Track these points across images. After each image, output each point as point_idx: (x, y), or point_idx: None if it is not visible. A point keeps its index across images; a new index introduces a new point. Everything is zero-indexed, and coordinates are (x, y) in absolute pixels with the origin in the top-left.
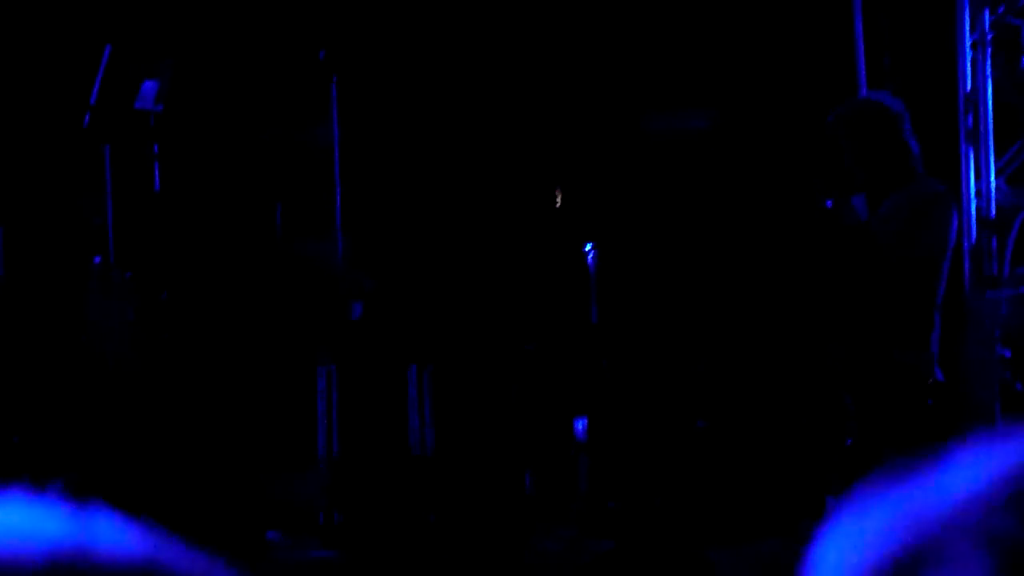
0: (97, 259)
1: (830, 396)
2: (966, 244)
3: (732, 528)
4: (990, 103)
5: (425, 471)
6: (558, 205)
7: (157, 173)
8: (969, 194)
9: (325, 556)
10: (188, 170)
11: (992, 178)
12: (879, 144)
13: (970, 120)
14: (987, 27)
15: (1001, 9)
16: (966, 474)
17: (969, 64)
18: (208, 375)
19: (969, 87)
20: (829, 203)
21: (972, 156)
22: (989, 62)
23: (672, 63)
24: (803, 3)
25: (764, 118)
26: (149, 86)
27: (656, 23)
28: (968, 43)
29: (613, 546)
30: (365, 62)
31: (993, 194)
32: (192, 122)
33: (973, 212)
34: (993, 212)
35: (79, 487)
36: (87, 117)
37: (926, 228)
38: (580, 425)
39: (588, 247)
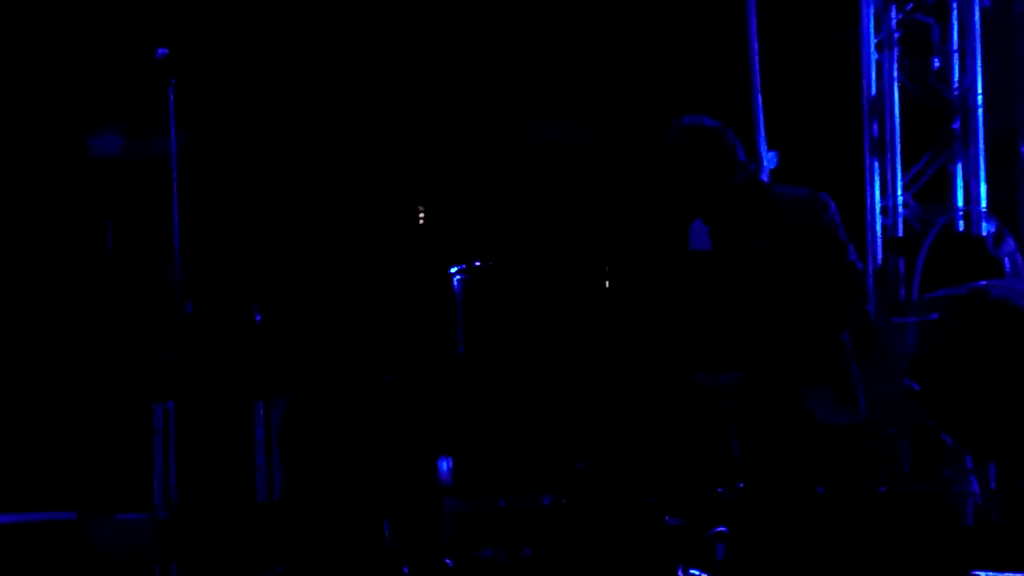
0: None
1: (718, 437)
2: (871, 266)
3: None
4: (897, 110)
5: (273, 518)
6: (420, 223)
7: None
8: (875, 211)
9: None
10: (6, 181)
11: (899, 193)
12: (710, 164)
13: (875, 128)
14: (893, 25)
15: (909, 6)
16: None
17: (874, 66)
18: (29, 407)
19: (874, 92)
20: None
21: (877, 169)
22: (896, 64)
23: (554, 69)
24: (694, 4)
25: (654, 127)
26: None
27: (535, 23)
28: (872, 43)
29: None
30: (209, 63)
31: (901, 211)
32: (7, 126)
33: (879, 231)
34: (901, 231)
35: None
36: None
37: (839, 245)
38: (445, 466)
39: (454, 269)
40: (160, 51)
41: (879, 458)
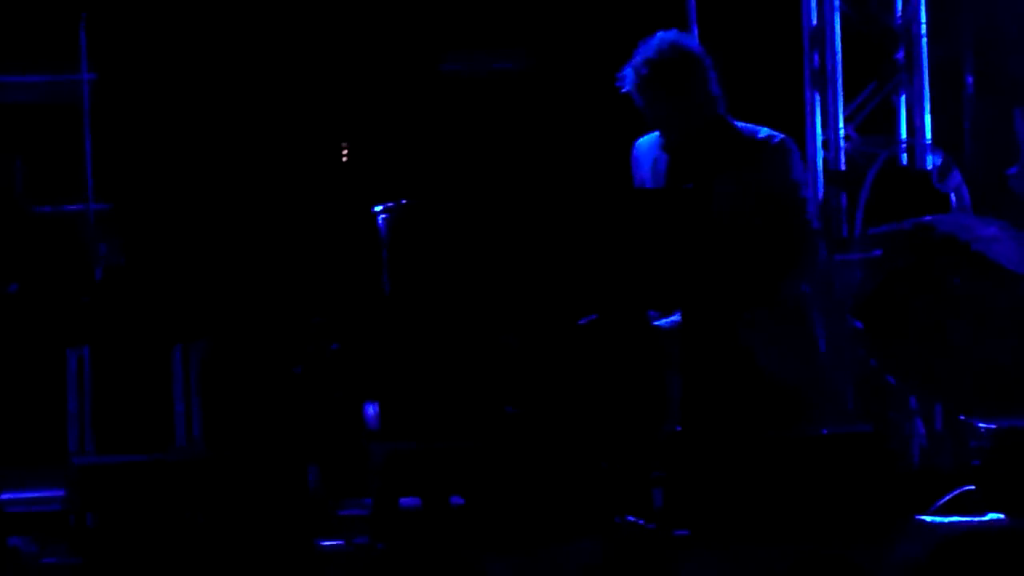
0: None
1: (655, 379)
2: (812, 201)
3: (540, 528)
4: (839, 40)
5: (192, 466)
6: (344, 160)
7: None
8: (815, 145)
9: (72, 563)
10: None
11: (841, 126)
12: (697, 92)
13: (816, 60)
14: None
15: None
16: None
17: None
18: None
19: (815, 22)
20: (689, 185)
21: (819, 101)
22: None
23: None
24: None
25: (582, 58)
26: None
27: None
28: None
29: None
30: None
31: (843, 144)
32: None
33: (820, 165)
34: (843, 164)
35: None
36: None
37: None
38: (371, 411)
39: (378, 208)
40: None
41: (824, 399)
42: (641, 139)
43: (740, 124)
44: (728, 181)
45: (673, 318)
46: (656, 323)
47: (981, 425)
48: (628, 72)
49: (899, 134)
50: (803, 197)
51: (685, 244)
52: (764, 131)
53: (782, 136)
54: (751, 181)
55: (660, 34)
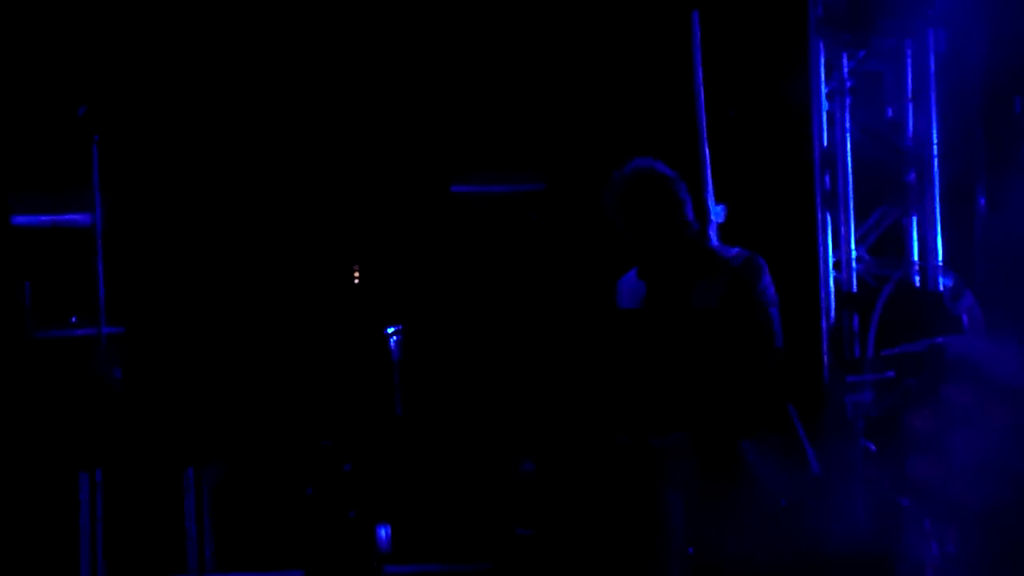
0: None
1: (664, 504)
2: (823, 323)
3: None
4: (849, 161)
5: None
6: (355, 282)
7: None
8: (827, 266)
9: None
10: None
11: (853, 247)
12: (657, 213)
13: (827, 181)
14: (845, 74)
15: (862, 53)
16: None
17: (825, 117)
18: None
19: (826, 143)
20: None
21: (830, 222)
22: (848, 114)
23: (491, 119)
24: (638, 54)
25: (598, 181)
26: None
27: (469, 73)
28: (824, 93)
29: None
30: (133, 120)
31: (854, 266)
32: None
33: (831, 287)
34: (855, 286)
35: None
36: None
37: (770, 315)
38: (384, 534)
39: (391, 330)
40: (81, 109)
41: (834, 520)
42: (623, 277)
43: (718, 246)
44: (701, 296)
45: (673, 436)
46: (658, 442)
47: None
48: (605, 195)
49: (911, 255)
50: (772, 313)
51: (692, 365)
52: (736, 249)
53: (751, 253)
54: (719, 289)
55: (636, 160)
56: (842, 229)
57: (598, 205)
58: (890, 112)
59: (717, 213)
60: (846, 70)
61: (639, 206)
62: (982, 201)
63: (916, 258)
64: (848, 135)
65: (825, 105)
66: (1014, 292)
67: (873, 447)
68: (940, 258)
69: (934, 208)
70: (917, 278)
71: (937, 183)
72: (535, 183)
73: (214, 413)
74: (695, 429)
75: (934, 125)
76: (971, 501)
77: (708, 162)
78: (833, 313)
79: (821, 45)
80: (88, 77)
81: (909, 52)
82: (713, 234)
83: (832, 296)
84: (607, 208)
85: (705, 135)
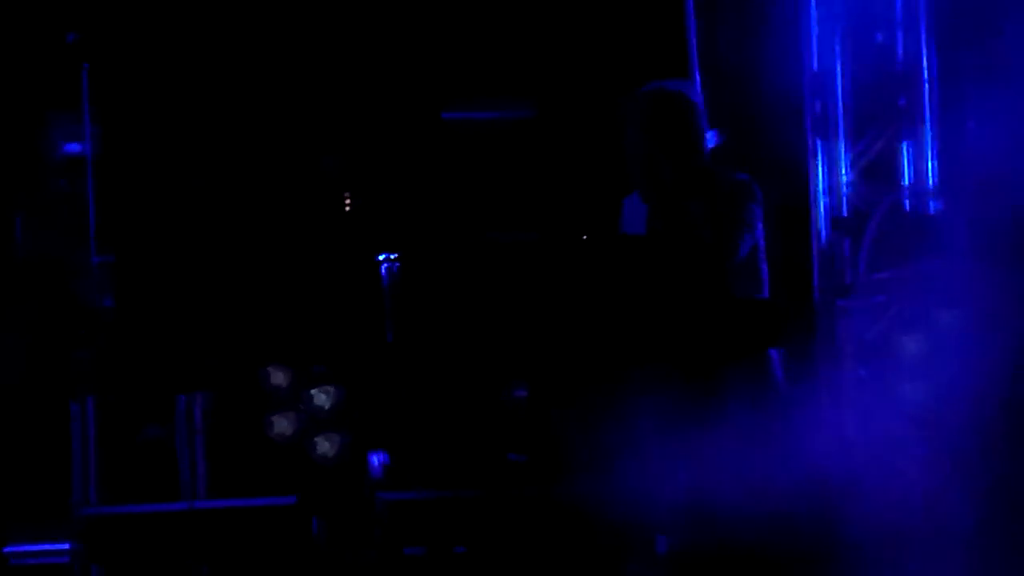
0: None
1: (657, 425)
2: (815, 247)
3: None
4: (839, 86)
5: (198, 517)
6: (347, 209)
7: None
8: (818, 190)
9: None
10: None
11: (844, 172)
12: (675, 135)
13: (818, 105)
14: None
15: None
16: None
17: (815, 40)
18: None
19: (816, 66)
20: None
21: (821, 146)
22: (839, 37)
23: (481, 46)
24: None
25: (585, 106)
26: None
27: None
28: (815, 17)
29: None
30: (123, 46)
31: (845, 190)
32: None
33: (823, 211)
34: (846, 210)
35: None
36: None
37: (743, 227)
38: (376, 461)
39: (381, 257)
40: (71, 36)
41: (827, 447)
42: (628, 197)
43: (720, 171)
44: (695, 216)
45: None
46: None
47: None
48: (628, 109)
49: (902, 180)
50: (744, 233)
51: (679, 292)
52: (735, 174)
53: (749, 178)
54: (711, 214)
55: (665, 81)
56: (833, 154)
57: (591, 131)
58: (879, 37)
59: (709, 138)
60: None
61: (665, 126)
62: (970, 124)
63: (907, 182)
64: (839, 59)
65: (815, 29)
66: (1002, 215)
67: (864, 372)
68: (931, 182)
69: (925, 132)
70: (907, 202)
71: (928, 107)
72: (526, 110)
73: (205, 340)
74: (677, 356)
75: (923, 49)
76: (963, 426)
77: (699, 87)
78: (825, 237)
79: None
80: (78, 3)
81: None
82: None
83: (824, 221)
84: (627, 122)
85: (696, 61)
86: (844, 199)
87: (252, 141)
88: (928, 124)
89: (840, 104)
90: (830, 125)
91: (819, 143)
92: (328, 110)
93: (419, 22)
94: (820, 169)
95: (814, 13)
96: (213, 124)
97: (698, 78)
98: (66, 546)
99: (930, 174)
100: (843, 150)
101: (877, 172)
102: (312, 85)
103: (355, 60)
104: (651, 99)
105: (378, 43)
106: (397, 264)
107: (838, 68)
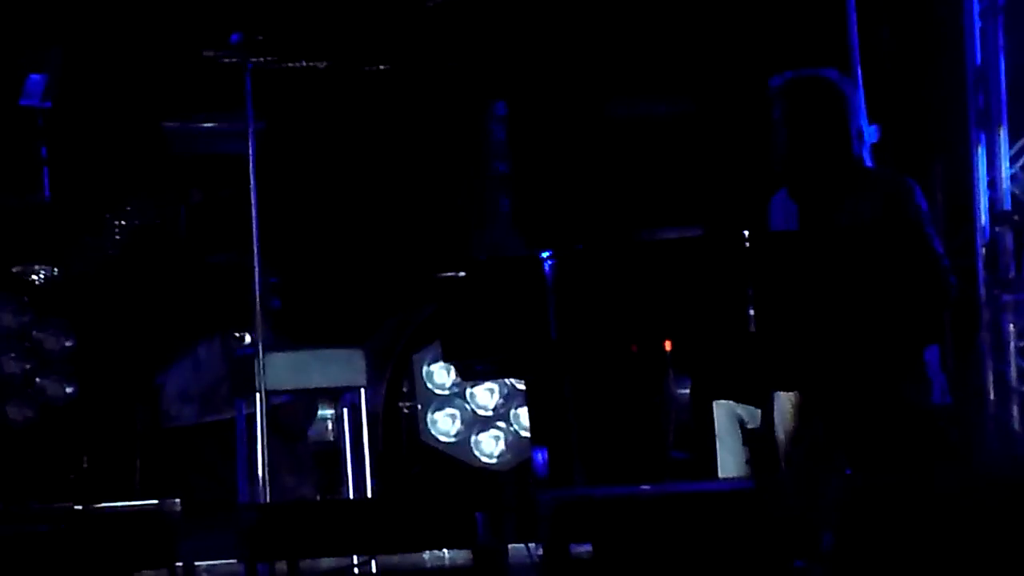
0: None
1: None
2: (979, 241)
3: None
4: (1003, 79)
5: (364, 509)
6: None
7: (47, 177)
8: (980, 185)
9: None
10: (81, 174)
11: (1006, 165)
12: (824, 125)
13: (980, 99)
14: None
15: None
16: None
17: (979, 35)
18: None
19: (979, 61)
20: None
21: (983, 141)
22: (1002, 32)
23: (642, 42)
24: None
25: (747, 103)
26: (35, 81)
27: None
28: (977, 11)
29: None
30: (284, 47)
31: (1008, 184)
32: (86, 119)
33: (985, 205)
34: (1008, 204)
35: None
36: None
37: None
38: (540, 457)
39: (545, 254)
40: (235, 36)
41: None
42: (775, 196)
43: (868, 167)
44: (851, 215)
45: None
46: None
47: None
48: (781, 94)
49: None
50: (928, 232)
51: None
52: (886, 171)
53: (901, 174)
54: (869, 209)
55: (818, 69)
56: (995, 147)
57: (749, 125)
58: None
59: (870, 133)
60: None
61: (813, 113)
62: None
63: None
64: (1002, 52)
65: (978, 23)
66: None
67: None
68: None
69: None
70: None
71: None
72: (686, 106)
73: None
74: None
75: None
76: None
77: (861, 82)
78: (988, 231)
79: None
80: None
81: None
82: (867, 155)
83: (986, 215)
84: (780, 108)
85: (858, 55)
86: (1006, 193)
87: (414, 144)
88: None
89: (1003, 97)
90: (992, 118)
91: (982, 136)
92: (490, 112)
93: (581, 21)
94: (983, 162)
95: (976, 6)
96: (367, 126)
97: (860, 73)
98: None
99: None
100: (1006, 143)
101: None
102: (474, 87)
103: (518, 60)
104: (801, 83)
105: (541, 43)
106: (559, 262)
107: (1001, 61)
